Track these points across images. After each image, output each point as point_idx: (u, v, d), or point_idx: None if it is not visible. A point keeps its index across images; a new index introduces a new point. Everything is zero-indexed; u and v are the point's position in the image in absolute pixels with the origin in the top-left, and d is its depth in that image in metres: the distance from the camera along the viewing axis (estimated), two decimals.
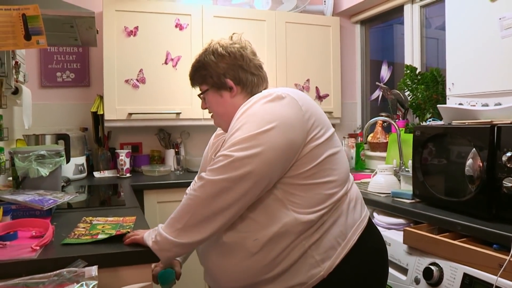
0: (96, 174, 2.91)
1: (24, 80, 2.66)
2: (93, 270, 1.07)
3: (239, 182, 1.11)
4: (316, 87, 3.35)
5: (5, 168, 2.08)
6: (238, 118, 1.20)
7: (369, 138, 3.14)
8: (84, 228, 1.41)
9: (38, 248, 1.18)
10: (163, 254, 1.18)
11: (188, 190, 1.40)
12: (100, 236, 1.29)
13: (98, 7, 2.89)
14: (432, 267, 1.51)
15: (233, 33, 1.42)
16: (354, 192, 1.31)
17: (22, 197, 1.54)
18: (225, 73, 1.35)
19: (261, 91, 1.34)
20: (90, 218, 1.56)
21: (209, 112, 1.45)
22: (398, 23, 3.27)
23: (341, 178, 1.25)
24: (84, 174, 2.79)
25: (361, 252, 1.23)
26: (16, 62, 2.37)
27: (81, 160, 2.76)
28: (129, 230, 1.35)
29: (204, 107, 1.46)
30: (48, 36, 2.18)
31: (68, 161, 2.41)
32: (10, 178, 2.01)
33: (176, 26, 2.96)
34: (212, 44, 1.39)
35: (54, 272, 1.06)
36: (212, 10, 3.04)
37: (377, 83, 3.24)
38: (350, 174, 1.33)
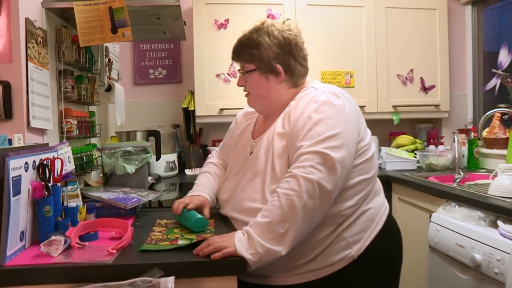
0: (188, 171, 2.86)
1: (118, 77, 2.70)
2: (170, 281, 0.96)
3: (340, 182, 1.17)
4: (421, 77, 3.02)
5: (97, 164, 2.09)
6: (316, 109, 1.21)
7: (484, 134, 2.75)
8: (160, 232, 1.29)
9: (114, 251, 1.09)
10: (260, 264, 1.10)
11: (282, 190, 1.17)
12: (180, 242, 1.17)
13: (188, 2, 2.84)
14: None
15: (287, 19, 1.39)
16: (379, 182, 1.40)
17: (106, 195, 1.49)
18: (276, 58, 1.32)
19: (303, 83, 1.37)
20: (165, 221, 1.44)
21: (245, 91, 1.41)
22: None
23: (375, 173, 1.34)
24: (175, 172, 2.75)
25: (388, 233, 1.32)
26: (109, 60, 2.40)
27: (172, 157, 2.72)
28: (210, 235, 1.21)
29: (241, 84, 1.41)
30: (137, 30, 2.17)
31: (158, 158, 2.38)
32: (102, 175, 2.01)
33: (268, 17, 2.82)
34: (267, 25, 1.34)
35: (129, 281, 0.97)
36: None
37: (493, 70, 2.82)
38: None
